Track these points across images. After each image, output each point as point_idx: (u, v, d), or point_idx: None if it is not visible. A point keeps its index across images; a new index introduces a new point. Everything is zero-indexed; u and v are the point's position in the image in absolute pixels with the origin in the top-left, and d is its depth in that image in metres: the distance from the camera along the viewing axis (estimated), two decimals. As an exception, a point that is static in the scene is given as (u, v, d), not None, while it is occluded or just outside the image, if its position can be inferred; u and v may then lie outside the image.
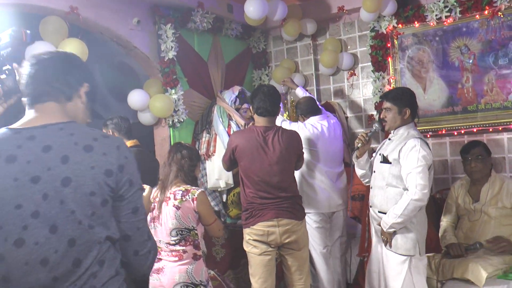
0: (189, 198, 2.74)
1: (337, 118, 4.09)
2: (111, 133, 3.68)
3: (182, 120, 4.04)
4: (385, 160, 3.00)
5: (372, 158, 3.26)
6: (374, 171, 3.12)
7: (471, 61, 4.02)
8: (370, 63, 4.49)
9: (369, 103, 4.60)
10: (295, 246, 3.15)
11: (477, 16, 3.93)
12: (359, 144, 3.16)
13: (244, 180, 3.16)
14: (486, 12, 3.88)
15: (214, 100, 4.38)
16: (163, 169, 2.90)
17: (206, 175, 4.11)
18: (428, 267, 3.21)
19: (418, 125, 3.23)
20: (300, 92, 4.21)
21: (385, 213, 2.95)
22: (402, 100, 3.01)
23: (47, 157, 1.37)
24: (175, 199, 2.75)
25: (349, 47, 4.71)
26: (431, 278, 3.20)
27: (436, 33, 4.16)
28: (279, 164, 3.11)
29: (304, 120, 3.90)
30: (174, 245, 2.74)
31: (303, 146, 3.40)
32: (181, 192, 2.76)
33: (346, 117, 4.68)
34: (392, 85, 4.34)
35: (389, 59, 4.38)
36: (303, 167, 3.57)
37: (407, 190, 2.85)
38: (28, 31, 1.90)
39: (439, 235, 3.49)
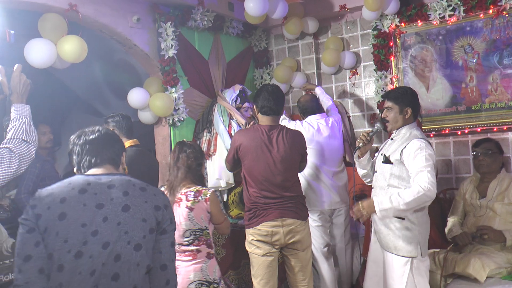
0: (202, 199, 2.80)
1: (341, 117, 4.09)
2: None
3: (182, 119, 4.00)
4: (386, 160, 2.97)
5: (374, 158, 3.22)
6: (376, 171, 3.09)
7: (475, 60, 3.98)
8: (372, 62, 4.45)
9: (371, 102, 4.56)
10: (299, 246, 3.13)
11: (481, 15, 3.89)
12: (360, 144, 3.14)
13: (248, 179, 3.14)
14: (490, 11, 3.84)
15: (214, 99, 4.34)
16: (169, 171, 2.93)
17: (206, 174, 4.08)
18: (432, 261, 3.24)
19: (421, 125, 3.20)
20: (318, 92, 4.26)
21: None
22: (404, 100, 2.98)
23: (111, 191, 1.71)
24: (187, 200, 2.79)
25: (351, 45, 4.67)
26: (435, 272, 3.20)
27: (439, 32, 4.12)
28: (283, 163, 3.09)
29: (303, 119, 3.92)
30: (187, 245, 2.80)
31: None
32: (193, 193, 2.81)
33: (349, 116, 4.64)
34: (394, 84, 4.31)
35: (392, 58, 4.34)
36: None
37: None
38: (12, 31, 1.90)
39: (446, 230, 3.49)
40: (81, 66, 3.64)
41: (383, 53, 4.35)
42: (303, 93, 4.57)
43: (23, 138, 1.93)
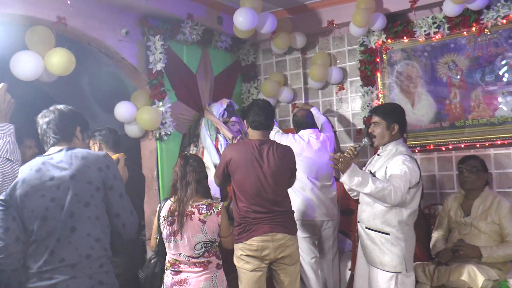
0: (214, 212, 2.91)
1: (333, 135, 4.17)
2: (97, 144, 3.62)
3: (169, 133, 3.99)
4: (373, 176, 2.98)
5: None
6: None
7: (458, 77, 4.05)
8: (359, 78, 4.50)
9: (357, 117, 4.60)
10: (288, 261, 3.12)
11: (465, 32, 3.97)
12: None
13: (238, 194, 3.13)
14: (473, 29, 3.92)
15: (202, 113, 4.35)
16: (175, 185, 3.02)
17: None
18: (422, 273, 3.27)
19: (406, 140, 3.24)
20: (314, 111, 4.33)
21: (372, 230, 2.94)
22: (391, 116, 3.02)
23: (60, 165, 2.10)
24: (199, 213, 2.89)
25: (338, 61, 4.72)
26: (425, 284, 3.20)
27: (424, 48, 4.19)
28: (274, 177, 3.09)
29: (296, 133, 4.04)
30: (197, 257, 2.89)
31: None
32: (205, 206, 2.92)
33: (335, 131, 4.68)
34: (380, 100, 4.36)
35: (378, 74, 4.40)
36: None
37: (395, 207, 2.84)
38: None
39: (430, 245, 3.51)
40: (68, 79, 3.62)
41: (369, 68, 4.40)
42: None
43: (7, 157, 1.91)
